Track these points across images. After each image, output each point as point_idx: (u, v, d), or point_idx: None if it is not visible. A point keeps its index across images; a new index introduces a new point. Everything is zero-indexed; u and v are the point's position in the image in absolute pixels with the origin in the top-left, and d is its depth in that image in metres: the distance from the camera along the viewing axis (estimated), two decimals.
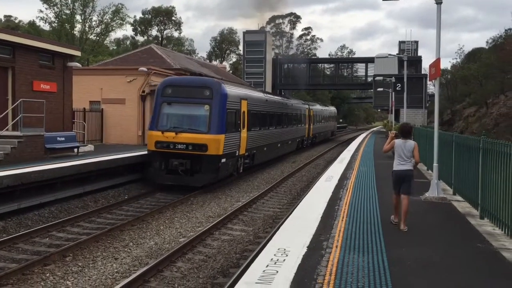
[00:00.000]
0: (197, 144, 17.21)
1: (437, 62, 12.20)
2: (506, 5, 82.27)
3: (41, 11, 62.48)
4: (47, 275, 8.85)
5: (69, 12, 55.81)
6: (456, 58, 74.42)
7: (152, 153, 17.81)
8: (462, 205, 10.99)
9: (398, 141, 9.00)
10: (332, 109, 58.74)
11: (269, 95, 27.89)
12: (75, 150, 19.18)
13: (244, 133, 20.06)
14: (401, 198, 8.87)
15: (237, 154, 19.51)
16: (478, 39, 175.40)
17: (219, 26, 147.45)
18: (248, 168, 21.95)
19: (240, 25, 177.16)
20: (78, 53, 20.88)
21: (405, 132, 9.10)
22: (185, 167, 17.25)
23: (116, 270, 9.26)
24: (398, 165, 8.97)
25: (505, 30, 49.19)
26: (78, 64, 21.14)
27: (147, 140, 18.86)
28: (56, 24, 56.29)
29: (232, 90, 19.45)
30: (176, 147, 17.38)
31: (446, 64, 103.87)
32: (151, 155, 17.86)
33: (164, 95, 18.19)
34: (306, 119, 36.92)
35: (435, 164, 12.17)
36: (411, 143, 8.99)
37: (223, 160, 17.80)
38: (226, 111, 18.00)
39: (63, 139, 18.46)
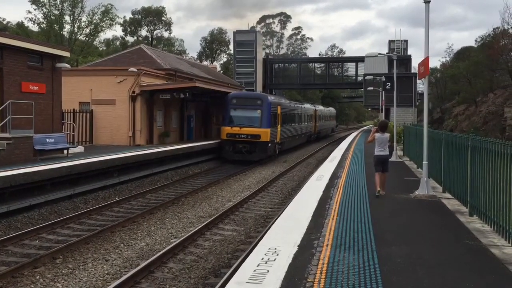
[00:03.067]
0: (254, 134, 26.92)
1: (425, 61, 12.26)
2: (494, 4, 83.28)
3: (29, 12, 62.12)
4: (37, 277, 8.79)
5: (58, 12, 55.40)
6: (446, 57, 74.93)
7: (224, 141, 27.57)
8: (451, 203, 11.07)
9: (377, 134, 12.05)
10: (332, 110, 69.65)
11: (291, 101, 39.36)
12: (65, 151, 19.08)
13: (279, 128, 29.86)
14: (382, 175, 11.94)
15: (275, 141, 29.34)
16: (467, 37, 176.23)
17: (210, 26, 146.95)
18: (280, 152, 31.61)
19: (231, 25, 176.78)
20: (67, 54, 20.74)
21: (383, 127, 12.22)
22: (246, 149, 26.87)
23: (107, 272, 9.22)
24: (378, 151, 12.07)
25: (494, 28, 49.62)
26: (67, 65, 20.98)
27: (221, 133, 28.01)
28: (44, 25, 55.82)
29: (273, 99, 29.88)
30: (240, 136, 27.01)
31: (435, 62, 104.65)
32: (224, 142, 27.61)
33: (231, 104, 27.87)
34: (313, 118, 46.06)
35: (424, 162, 12.23)
36: (387, 135, 12.11)
37: (269, 144, 27.63)
38: (270, 113, 27.82)
39: (52, 140, 18.35)
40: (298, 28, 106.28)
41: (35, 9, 54.97)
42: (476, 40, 57.83)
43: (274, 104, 28.97)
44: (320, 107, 54.22)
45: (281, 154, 31.99)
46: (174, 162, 23.71)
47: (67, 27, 57.01)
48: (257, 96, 29.76)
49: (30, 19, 56.32)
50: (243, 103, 27.94)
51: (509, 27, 43.06)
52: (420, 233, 8.36)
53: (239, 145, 26.89)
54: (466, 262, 6.72)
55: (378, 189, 11.74)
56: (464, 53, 58.83)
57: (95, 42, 65.59)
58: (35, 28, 57.81)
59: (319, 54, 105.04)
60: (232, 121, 27.56)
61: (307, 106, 45.08)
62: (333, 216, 9.41)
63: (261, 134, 27.01)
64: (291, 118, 34.68)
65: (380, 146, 11.98)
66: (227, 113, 27.94)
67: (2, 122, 16.76)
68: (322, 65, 69.47)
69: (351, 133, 57.05)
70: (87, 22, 57.41)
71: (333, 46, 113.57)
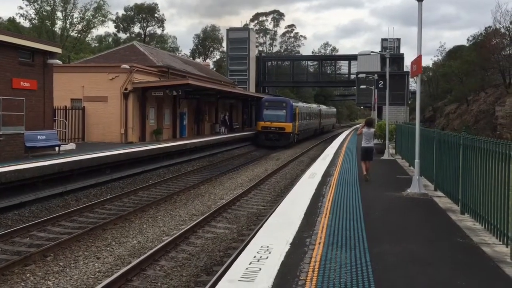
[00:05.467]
0: (280, 127, 37.61)
1: (418, 59, 12.29)
2: (486, 4, 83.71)
3: (21, 7, 61.62)
4: (28, 275, 8.73)
5: (50, 8, 54.92)
6: (438, 56, 75.16)
7: (259, 132, 38.50)
8: (443, 201, 11.11)
9: (364, 129, 14.53)
10: (334, 109, 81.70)
11: (305, 103, 50.65)
12: (56, 148, 18.95)
13: (297, 123, 40.49)
14: (367, 163, 14.18)
15: (294, 132, 39.97)
16: (460, 36, 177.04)
17: (203, 23, 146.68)
18: (297, 141, 42.02)
19: (225, 23, 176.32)
20: (58, 50, 20.59)
21: (369, 123, 14.85)
22: (275, 137, 37.53)
23: (98, 270, 9.17)
24: (364, 143, 14.43)
25: (485, 28, 49.86)
26: (58, 61, 20.82)
27: (257, 126, 39.61)
28: (36, 21, 55.36)
29: (293, 103, 40.61)
30: (271, 128, 37.66)
31: (428, 61, 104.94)
32: (259, 133, 38.50)
33: (265, 106, 38.86)
34: (318, 116, 56.06)
35: (416, 161, 12.26)
36: (372, 130, 14.79)
37: (291, 134, 38.58)
38: (292, 112, 38.53)
39: (43, 137, 18.23)
40: (291, 26, 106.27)
41: (26, 5, 54.51)
42: (468, 39, 58.01)
43: (294, 106, 39.64)
44: (324, 107, 65.04)
45: (298, 142, 42.39)
46: (166, 160, 23.64)
47: (59, 23, 56.60)
48: (283, 100, 41.38)
49: (22, 15, 55.78)
50: (273, 105, 38.85)
51: (501, 26, 43.32)
52: (411, 231, 8.39)
53: (270, 134, 37.71)
54: (458, 260, 6.75)
55: (365, 173, 14.07)
56: (456, 52, 59.07)
57: (87, 39, 65.20)
58: (26, 24, 57.35)
59: (312, 52, 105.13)
60: (265, 117, 38.21)
61: (314, 106, 56.35)
62: (326, 214, 9.42)
63: (285, 127, 37.82)
64: (304, 116, 45.34)
65: (366, 139, 14.46)
66: (261, 112, 38.87)
67: None
68: (315, 63, 69.54)
69: (343, 131, 57.25)
70: (79, 19, 57.01)
71: (326, 44, 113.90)
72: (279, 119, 37.70)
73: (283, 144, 37.46)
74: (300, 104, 45.40)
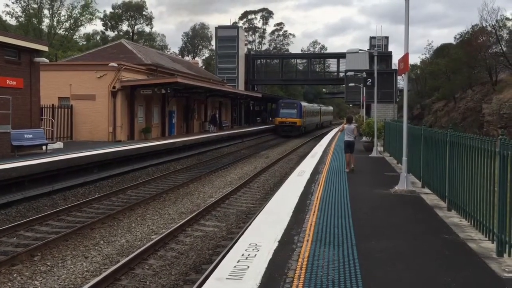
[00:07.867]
0: (293, 122, 49.98)
1: (405, 57, 12.37)
2: (473, 2, 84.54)
3: (7, 5, 61.03)
4: (15, 275, 8.65)
5: (37, 6, 54.39)
6: (425, 54, 75.55)
7: (277, 125, 51.11)
8: (430, 198, 11.21)
9: (346, 125, 16.64)
10: (331, 108, 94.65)
11: (310, 104, 63.50)
12: (44, 147, 18.80)
13: (304, 119, 52.00)
14: (351, 156, 15.94)
15: (303, 126, 51.57)
16: (447, 34, 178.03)
17: (192, 21, 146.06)
18: (304, 133, 53.08)
19: (214, 20, 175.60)
20: (45, 48, 20.41)
21: (349, 120, 16.92)
22: (289, 129, 49.98)
23: (86, 269, 9.12)
24: (346, 138, 16.28)
25: (472, 26, 50.24)
26: (45, 60, 20.64)
27: (275, 121, 52.30)
28: (23, 19, 54.78)
29: (302, 103, 53.30)
30: (286, 123, 49.95)
31: (415, 59, 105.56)
32: (277, 126, 51.08)
33: (281, 106, 51.45)
34: (319, 114, 67.04)
35: (404, 158, 12.35)
36: (352, 126, 16.54)
37: (300, 127, 50.98)
38: (301, 111, 50.69)
39: (30, 136, 18.08)
40: (280, 24, 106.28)
41: (13, 3, 53.91)
42: (455, 37, 58.45)
43: (302, 106, 52.17)
44: (323, 107, 76.77)
45: (304, 134, 53.26)
46: (155, 158, 23.55)
47: (46, 21, 56.06)
48: (294, 102, 54.20)
49: (8, 13, 55.17)
50: (287, 106, 51.06)
51: (487, 24, 43.70)
52: (399, 228, 8.45)
53: (285, 127, 49.84)
54: (444, 256, 6.81)
55: (352, 166, 15.78)
56: (443, 50, 59.46)
57: (74, 37, 64.55)
58: (13, 21, 56.70)
59: (301, 50, 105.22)
60: (281, 115, 50.21)
61: (316, 106, 68.59)
62: (314, 212, 9.45)
63: (296, 122, 49.75)
64: (309, 114, 57.24)
65: (347, 133, 16.27)
66: (278, 110, 51.08)
67: None
68: (304, 61, 69.71)
69: (332, 129, 57.47)
70: (66, 16, 56.49)
71: (315, 42, 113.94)
72: (292, 116, 49.60)
73: (295, 134, 49.56)
74: (307, 104, 58.98)
